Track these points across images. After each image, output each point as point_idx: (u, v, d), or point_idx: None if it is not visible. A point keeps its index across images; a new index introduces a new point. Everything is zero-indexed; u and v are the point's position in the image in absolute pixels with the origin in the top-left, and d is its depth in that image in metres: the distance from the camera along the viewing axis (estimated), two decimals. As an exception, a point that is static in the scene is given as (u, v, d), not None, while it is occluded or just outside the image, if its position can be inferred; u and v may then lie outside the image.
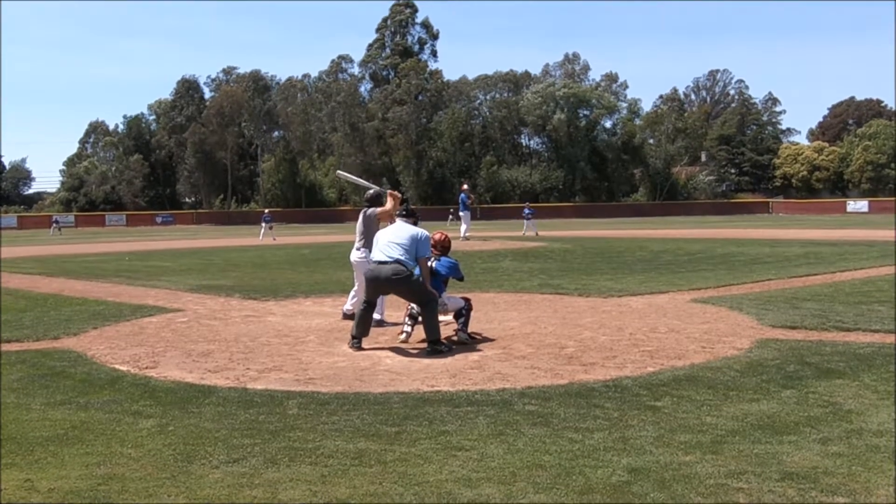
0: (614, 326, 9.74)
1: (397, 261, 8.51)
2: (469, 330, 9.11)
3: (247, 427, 5.50)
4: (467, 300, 9.35)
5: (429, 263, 9.11)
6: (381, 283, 8.66)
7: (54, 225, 68.23)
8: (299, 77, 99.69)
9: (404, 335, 9.01)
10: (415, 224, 9.09)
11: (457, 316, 9.19)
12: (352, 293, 10.73)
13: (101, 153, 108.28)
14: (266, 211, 47.67)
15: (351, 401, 6.22)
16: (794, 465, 4.54)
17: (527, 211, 42.02)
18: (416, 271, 8.69)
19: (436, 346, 8.32)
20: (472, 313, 9.56)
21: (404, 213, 9.33)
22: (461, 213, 32.84)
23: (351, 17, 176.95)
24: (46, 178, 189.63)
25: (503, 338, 9.05)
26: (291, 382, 6.94)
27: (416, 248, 8.67)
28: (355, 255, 10.49)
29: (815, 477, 4.34)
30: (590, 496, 4.11)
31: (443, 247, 9.54)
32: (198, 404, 6.17)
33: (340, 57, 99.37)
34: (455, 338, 8.98)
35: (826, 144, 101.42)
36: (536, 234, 38.13)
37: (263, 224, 42.17)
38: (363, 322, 8.72)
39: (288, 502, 4.09)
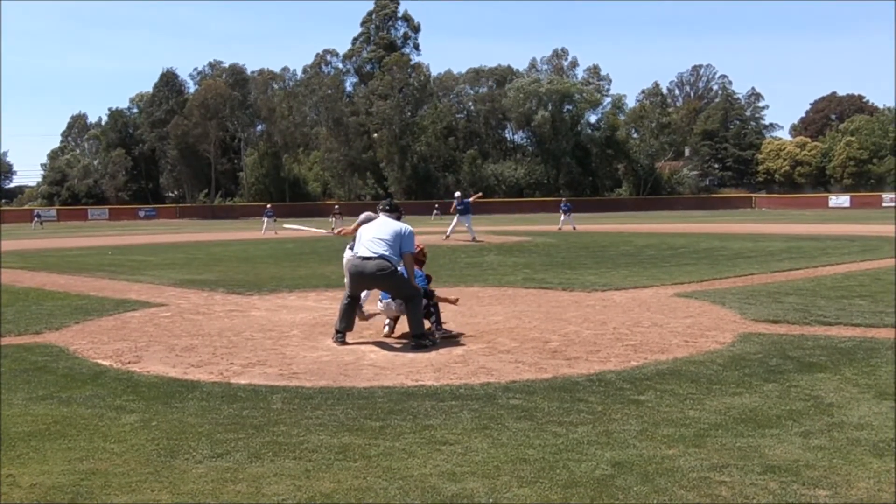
0: (598, 321, 9.77)
1: (382, 256, 8.47)
2: (448, 323, 9.11)
3: (230, 422, 5.48)
4: (429, 293, 9.13)
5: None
6: (365, 278, 8.63)
7: (36, 219, 67.78)
8: (277, 70, 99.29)
9: (387, 328, 9.00)
10: (398, 219, 9.04)
11: (427, 315, 9.03)
12: None
13: (84, 146, 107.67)
14: (269, 206, 47.63)
15: (335, 395, 6.22)
16: (776, 458, 4.57)
17: (565, 206, 41.18)
18: (401, 268, 8.65)
19: (420, 341, 8.32)
20: (456, 308, 9.59)
21: (388, 207, 9.19)
22: (461, 217, 30.25)
23: (338, 12, 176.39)
24: (28, 172, 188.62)
25: (487, 332, 9.05)
26: (275, 377, 6.93)
27: (400, 243, 8.62)
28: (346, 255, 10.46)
29: (796, 470, 4.37)
30: (574, 490, 4.12)
31: (417, 260, 9.30)
32: (181, 399, 6.15)
33: (326, 51, 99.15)
34: (434, 336, 8.86)
35: (808, 140, 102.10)
36: (574, 228, 37.73)
37: (266, 218, 42.21)
38: (347, 316, 8.70)
39: (272, 497, 4.08)
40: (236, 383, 6.69)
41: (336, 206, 45.49)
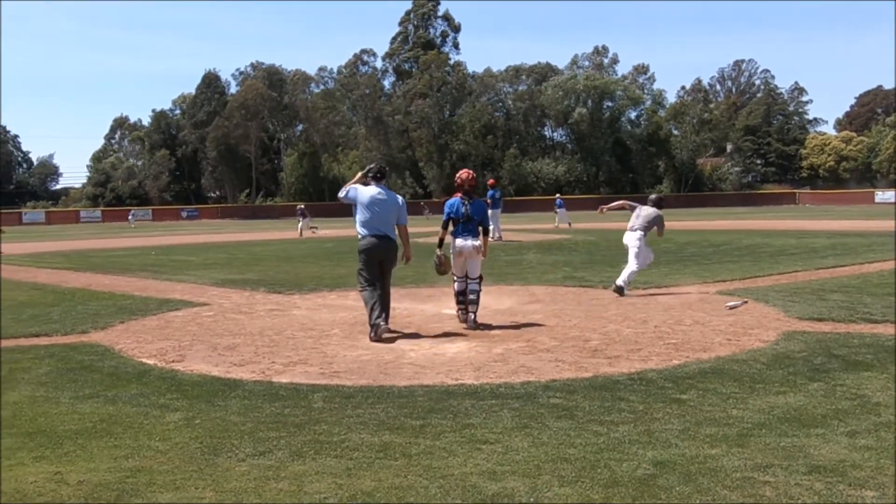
0: (639, 319, 9.70)
1: (390, 236, 9.11)
2: (488, 321, 9.53)
3: (272, 420, 5.52)
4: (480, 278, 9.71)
5: (463, 209, 9.47)
6: (381, 254, 9.03)
7: (131, 217, 71.54)
8: (315, 71, 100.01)
9: (471, 320, 9.38)
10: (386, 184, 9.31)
11: (471, 301, 9.52)
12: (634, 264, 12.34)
13: (127, 147, 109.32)
14: (301, 205, 47.83)
15: (375, 394, 6.24)
16: (821, 458, 4.51)
17: (559, 202, 41.66)
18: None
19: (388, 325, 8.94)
20: (496, 306, 9.78)
21: (379, 175, 9.25)
22: (491, 211, 26.64)
23: (375, 12, 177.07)
24: (74, 174, 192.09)
25: (527, 330, 9.03)
26: (316, 376, 6.97)
27: (397, 216, 9.16)
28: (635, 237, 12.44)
29: (842, 470, 4.30)
30: (615, 489, 4.10)
31: (470, 186, 9.65)
32: (224, 397, 6.22)
33: (363, 50, 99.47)
34: (466, 326, 9.37)
35: (854, 134, 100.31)
36: (570, 225, 37.85)
37: (301, 218, 42.07)
38: (379, 306, 8.87)
39: (314, 495, 4.10)
40: (278, 382, 6.75)
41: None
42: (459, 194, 9.61)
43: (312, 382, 6.69)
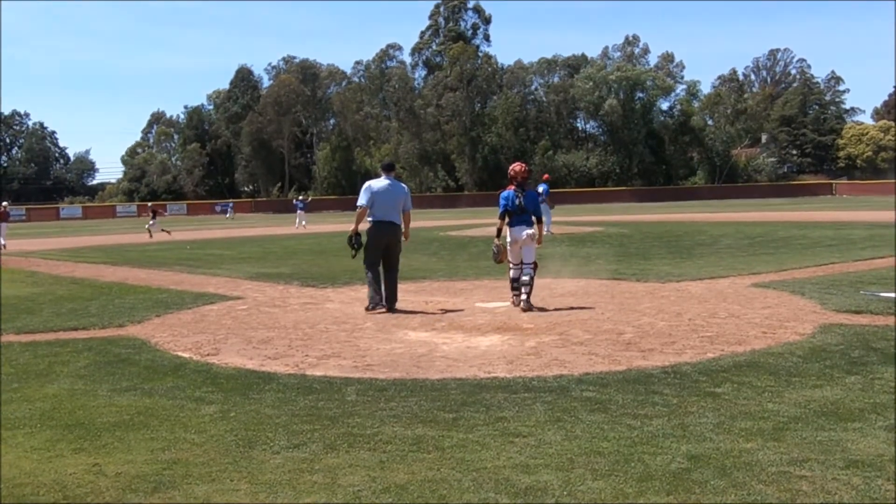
0: (673, 312, 9.63)
1: (395, 222, 10.34)
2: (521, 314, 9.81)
3: (306, 413, 5.56)
4: (535, 263, 10.29)
5: (517, 201, 10.17)
6: (385, 239, 10.29)
7: (229, 210, 74.43)
8: (350, 67, 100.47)
9: (523, 303, 9.94)
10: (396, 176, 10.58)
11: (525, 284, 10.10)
12: None
13: (162, 143, 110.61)
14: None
15: (408, 387, 6.26)
16: (859, 452, 4.45)
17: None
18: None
19: (395, 308, 10.07)
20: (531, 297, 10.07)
21: (390, 167, 10.69)
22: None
23: (407, 6, 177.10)
24: (110, 169, 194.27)
25: (560, 324, 9.00)
26: (350, 369, 7.00)
27: (403, 204, 10.40)
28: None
29: (881, 465, 4.25)
30: (649, 483, 4.07)
31: (523, 178, 10.31)
32: (258, 391, 6.26)
33: (389, 45, 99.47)
34: (520, 307, 9.92)
35: (892, 124, 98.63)
36: None
37: (151, 218, 37.31)
38: (379, 286, 10.23)
39: (347, 487, 4.12)
40: (312, 375, 6.79)
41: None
42: (513, 186, 10.28)
43: (346, 375, 6.73)
